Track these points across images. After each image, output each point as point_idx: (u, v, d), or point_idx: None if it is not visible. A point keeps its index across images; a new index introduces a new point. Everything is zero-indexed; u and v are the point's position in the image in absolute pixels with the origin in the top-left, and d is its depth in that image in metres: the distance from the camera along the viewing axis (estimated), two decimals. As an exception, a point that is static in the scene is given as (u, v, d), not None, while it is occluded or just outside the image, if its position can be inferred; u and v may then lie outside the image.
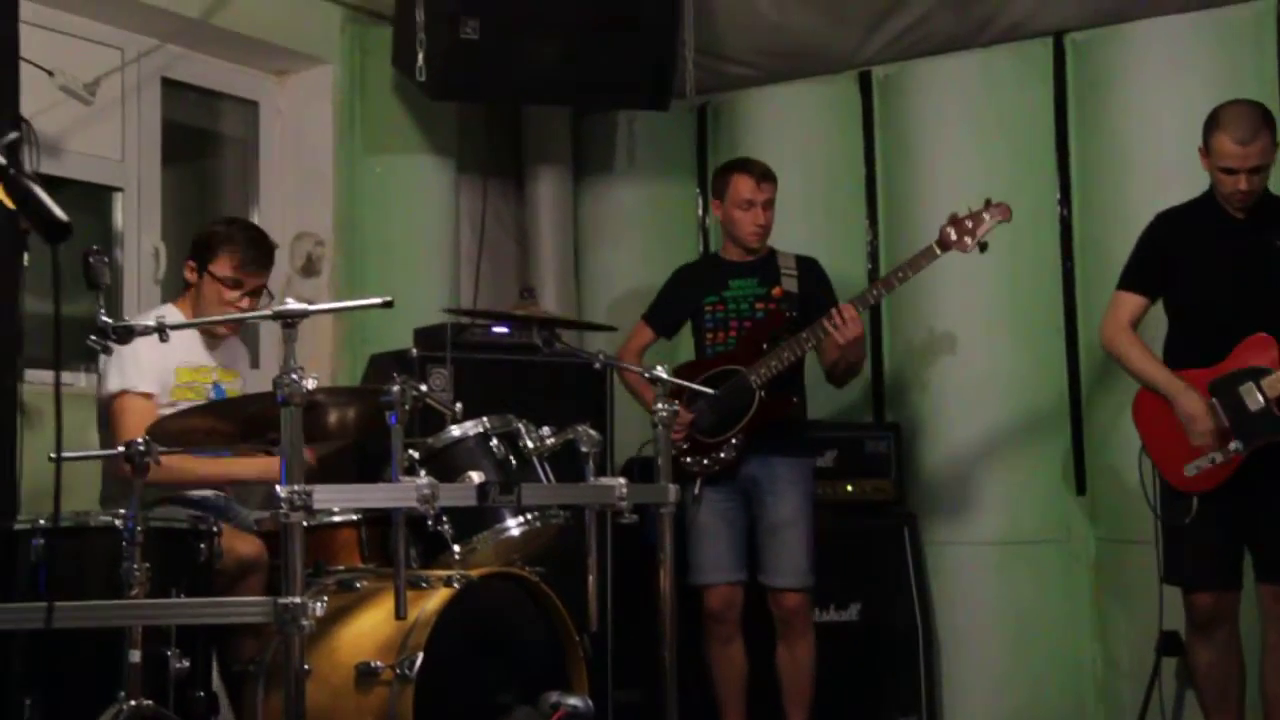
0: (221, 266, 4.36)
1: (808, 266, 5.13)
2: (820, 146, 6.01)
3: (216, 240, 4.40)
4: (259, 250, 4.43)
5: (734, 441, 4.86)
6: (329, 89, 5.91)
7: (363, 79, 5.94)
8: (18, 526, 3.51)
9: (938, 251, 4.75)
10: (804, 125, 6.09)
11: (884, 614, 5.36)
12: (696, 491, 4.88)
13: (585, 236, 6.53)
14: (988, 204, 4.76)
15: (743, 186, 5.02)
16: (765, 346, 4.87)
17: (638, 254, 6.38)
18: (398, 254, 5.92)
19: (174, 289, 5.23)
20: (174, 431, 3.65)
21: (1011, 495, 5.57)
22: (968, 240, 4.72)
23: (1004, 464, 5.57)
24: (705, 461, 4.88)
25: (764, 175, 5.04)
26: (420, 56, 5.39)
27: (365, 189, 5.93)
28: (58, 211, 1.73)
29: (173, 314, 4.34)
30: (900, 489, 5.63)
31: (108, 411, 4.28)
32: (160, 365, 4.27)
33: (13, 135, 2.26)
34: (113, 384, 4.25)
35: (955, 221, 4.74)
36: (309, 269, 5.86)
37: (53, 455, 3.30)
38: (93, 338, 3.16)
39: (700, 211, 6.46)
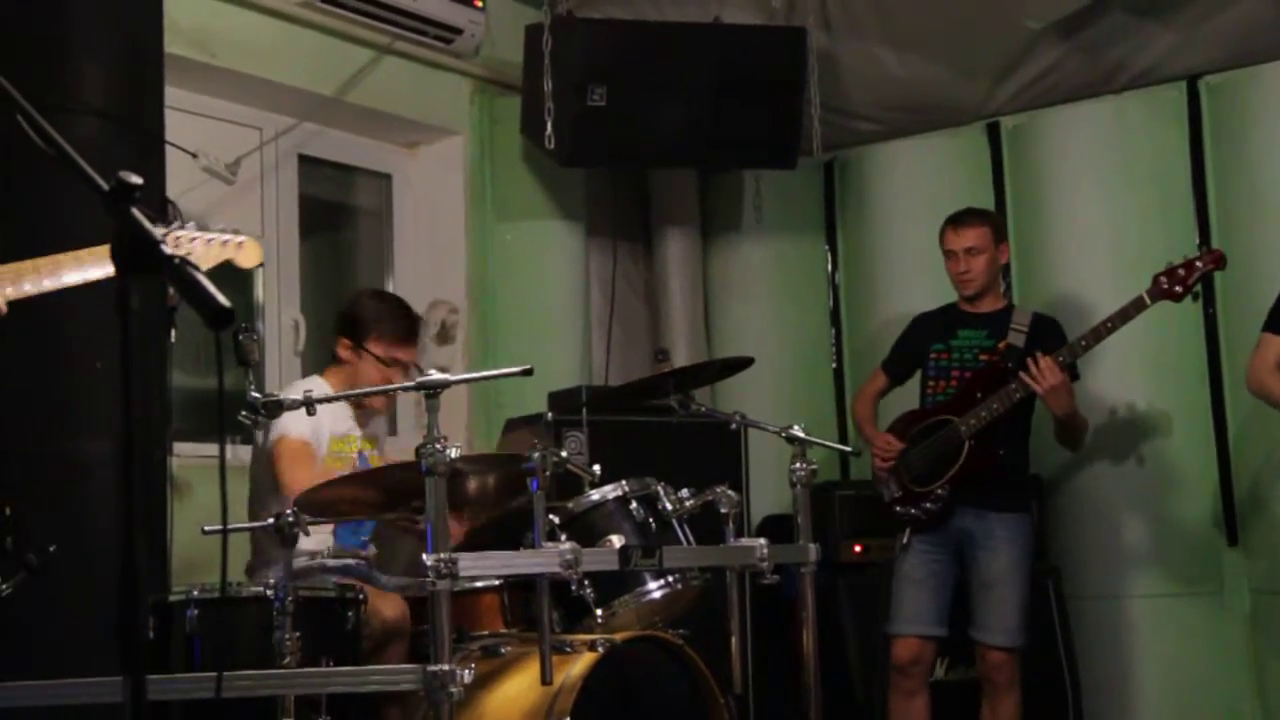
0: (379, 347, 4.48)
1: (1043, 324, 5.01)
2: (949, 199, 5.95)
3: (370, 319, 4.52)
4: (410, 326, 4.58)
5: (940, 492, 4.82)
6: (460, 159, 6.03)
7: (492, 148, 6.06)
8: (172, 598, 3.59)
9: (1148, 301, 4.68)
10: (932, 178, 6.08)
11: (1031, 669, 5.27)
12: (905, 540, 4.85)
13: (715, 295, 6.56)
14: (1202, 254, 4.73)
15: (945, 237, 5.02)
16: (980, 397, 4.82)
17: (768, 311, 6.41)
18: (530, 319, 5.99)
19: (313, 360, 5.35)
20: (321, 501, 3.73)
21: (1159, 547, 5.47)
22: (1178, 289, 4.68)
23: (1150, 515, 5.48)
24: (914, 511, 4.86)
25: (961, 223, 5.01)
26: (549, 124, 5.48)
27: (497, 256, 6.04)
28: (221, 299, 1.80)
29: (320, 386, 4.45)
30: (1042, 542, 5.55)
31: (270, 458, 4.35)
32: (314, 430, 4.38)
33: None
34: (273, 434, 4.35)
35: (1169, 271, 4.69)
36: (443, 336, 5.96)
37: (206, 528, 3.44)
38: (244, 413, 3.25)
39: (830, 267, 6.46)
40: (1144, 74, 5.67)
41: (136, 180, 1.89)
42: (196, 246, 2.61)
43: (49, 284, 2.31)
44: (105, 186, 1.91)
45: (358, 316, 4.56)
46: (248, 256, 2.71)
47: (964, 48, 5.79)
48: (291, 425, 4.28)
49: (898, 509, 4.89)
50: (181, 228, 2.60)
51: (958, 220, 5.02)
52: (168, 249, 1.84)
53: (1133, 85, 5.70)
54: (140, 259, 1.84)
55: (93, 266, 2.32)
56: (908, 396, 5.21)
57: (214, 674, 2.89)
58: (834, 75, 5.98)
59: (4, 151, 4.11)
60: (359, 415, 4.59)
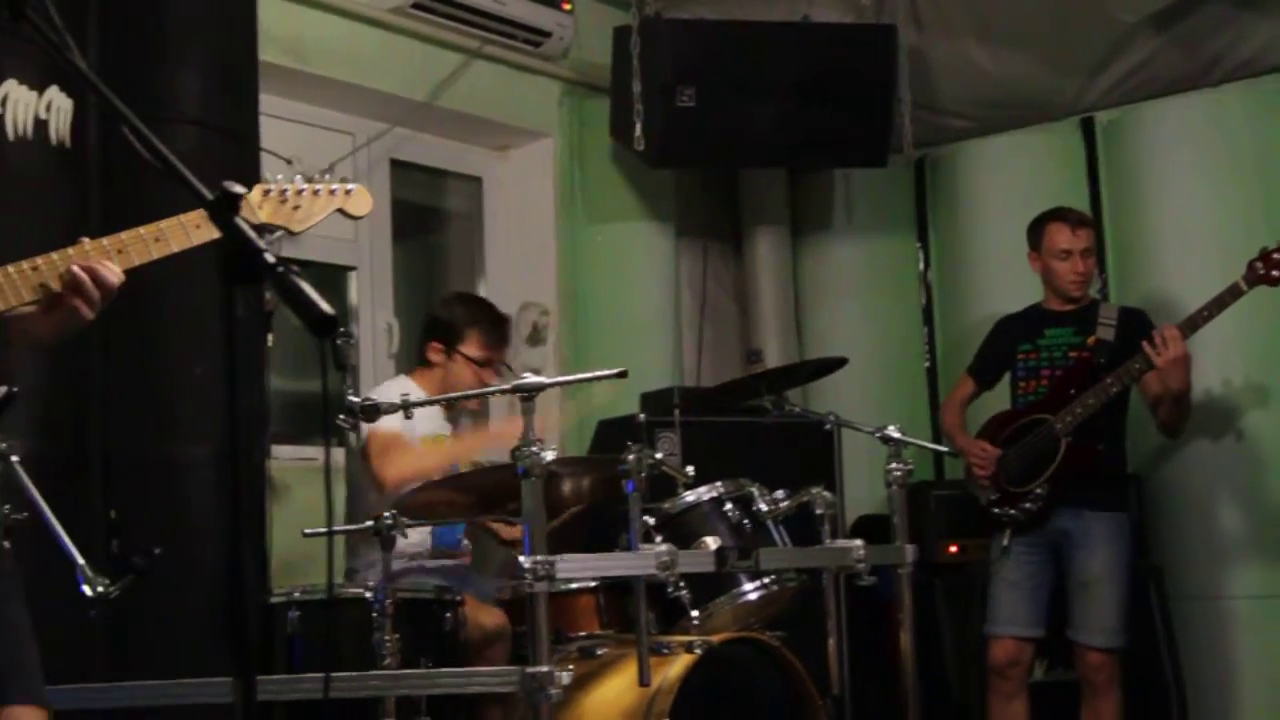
0: (472, 348, 4.54)
1: (1130, 318, 4.96)
2: (1043, 195, 5.89)
3: (463, 323, 4.58)
4: (503, 327, 4.66)
5: (1039, 491, 4.76)
6: (549, 161, 6.06)
7: (582, 150, 6.08)
8: (274, 600, 3.64)
9: (1244, 287, 4.59)
10: (1025, 175, 6.01)
11: (1133, 671, 5.20)
12: (1005, 542, 4.81)
13: (806, 295, 6.54)
14: None
15: (1059, 236, 4.94)
16: (1073, 393, 4.77)
17: (859, 310, 6.38)
18: (621, 320, 6.01)
19: (404, 363, 5.40)
20: (417, 504, 3.76)
21: (1264, 546, 5.36)
22: (1275, 274, 4.59)
23: (1254, 513, 5.37)
24: (1013, 512, 4.81)
25: (1080, 223, 4.97)
26: (638, 126, 5.50)
27: (587, 258, 6.06)
28: (325, 306, 1.82)
29: (411, 387, 4.49)
30: (1144, 541, 5.48)
31: (365, 450, 4.39)
32: (411, 427, 4.42)
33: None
34: (364, 430, 4.38)
35: (1264, 256, 4.61)
36: (535, 338, 5.99)
37: (307, 530, 3.49)
38: (342, 417, 3.28)
39: (921, 266, 6.43)
40: (1243, 65, 5.57)
41: (240, 190, 1.93)
42: (305, 198, 2.63)
43: (156, 251, 2.34)
44: (209, 196, 1.94)
45: (450, 320, 4.61)
46: (358, 204, 2.74)
47: (1057, 42, 5.74)
48: (380, 420, 4.33)
49: (995, 510, 4.84)
50: (290, 180, 2.63)
51: (1074, 220, 4.96)
52: (270, 256, 1.86)
53: (1231, 77, 5.61)
54: (245, 268, 1.87)
55: (196, 231, 2.36)
56: (996, 400, 5.17)
57: (321, 674, 2.92)
58: (925, 72, 5.94)
59: (103, 159, 4.20)
60: (451, 416, 4.64)
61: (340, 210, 2.71)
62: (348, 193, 2.71)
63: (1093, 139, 5.97)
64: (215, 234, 2.28)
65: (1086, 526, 4.77)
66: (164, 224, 2.36)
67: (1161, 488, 5.53)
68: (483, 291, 5.98)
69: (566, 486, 3.92)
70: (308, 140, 5.21)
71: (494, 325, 4.62)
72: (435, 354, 4.59)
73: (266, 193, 2.58)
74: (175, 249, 2.37)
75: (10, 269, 2.23)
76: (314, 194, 2.65)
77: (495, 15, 5.54)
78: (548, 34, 5.76)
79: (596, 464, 4.03)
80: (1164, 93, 5.72)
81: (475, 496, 3.81)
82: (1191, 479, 5.47)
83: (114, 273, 2.29)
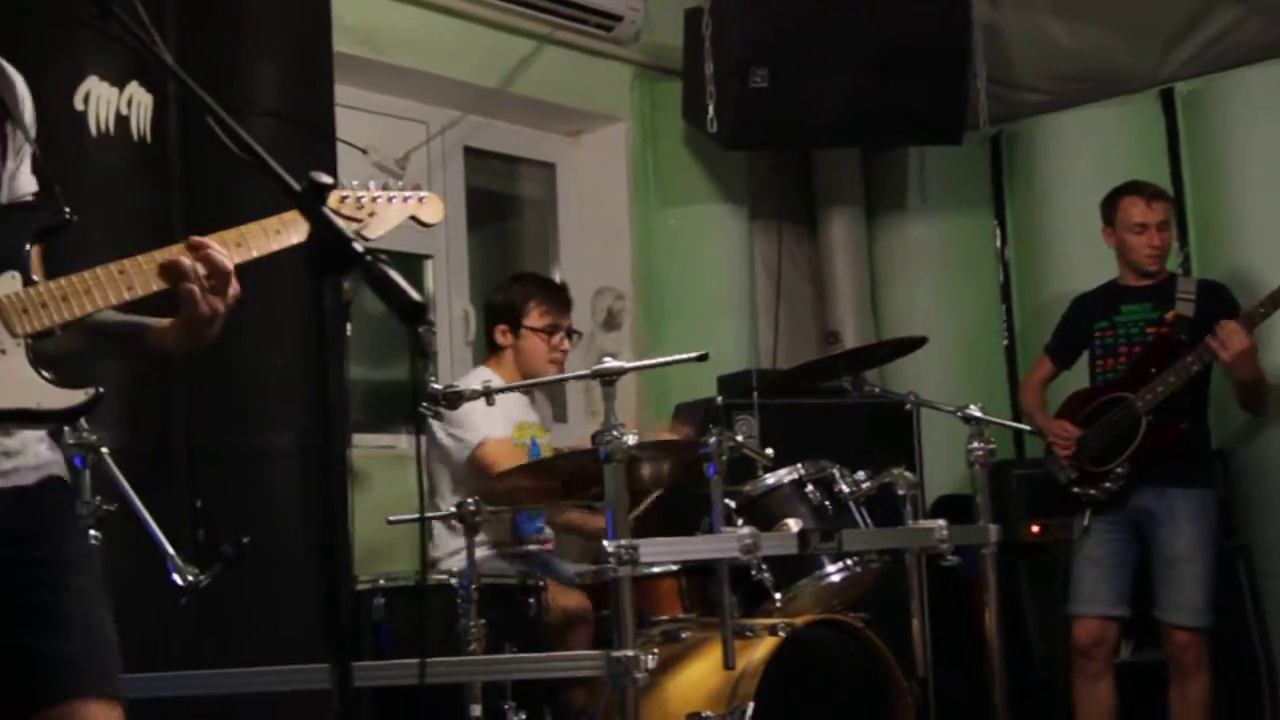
0: (535, 318, 4.61)
1: (1209, 290, 4.93)
2: (1122, 170, 5.83)
3: (519, 298, 4.66)
4: (560, 291, 4.75)
5: (1119, 471, 4.74)
6: (622, 146, 6.07)
7: (654, 133, 6.08)
8: (360, 587, 3.68)
9: None
10: (1104, 148, 5.94)
11: (1223, 650, 5.15)
12: (1086, 522, 4.79)
13: (881, 275, 6.52)
14: None
15: (1134, 210, 4.91)
16: (1153, 371, 4.74)
17: (935, 290, 6.35)
18: (696, 303, 6.01)
19: (481, 348, 5.43)
20: (501, 491, 3.79)
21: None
22: None
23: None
24: (1093, 491, 4.79)
25: (1155, 196, 4.94)
26: (711, 108, 5.50)
27: (661, 241, 6.06)
28: (414, 294, 1.84)
29: (492, 376, 4.52)
30: (1232, 518, 5.42)
31: (473, 464, 4.46)
32: (503, 422, 4.48)
33: None
34: (472, 438, 4.45)
35: None
36: (610, 323, 6.01)
37: (392, 518, 3.53)
38: (425, 404, 3.31)
39: (998, 243, 6.38)
40: (1326, 32, 5.50)
41: (328, 180, 1.94)
42: (380, 205, 2.66)
43: (257, 251, 2.36)
44: (298, 187, 1.96)
45: (509, 300, 4.69)
46: (430, 212, 2.76)
47: (1135, 13, 5.68)
48: (484, 426, 4.38)
49: (1075, 490, 4.82)
50: (365, 187, 2.66)
51: (1148, 193, 4.93)
52: (358, 246, 1.88)
53: (1314, 44, 5.54)
54: (334, 258, 1.88)
55: (283, 235, 2.38)
56: (1076, 378, 5.13)
57: (415, 660, 2.95)
58: (999, 46, 5.90)
59: (184, 154, 4.26)
60: (531, 400, 4.68)
61: (413, 218, 2.73)
62: (420, 200, 2.73)
63: (1173, 111, 5.90)
64: (295, 237, 2.32)
65: (1170, 505, 4.74)
66: (285, 216, 2.38)
67: (1249, 464, 5.46)
68: (557, 277, 6.01)
69: (646, 470, 3.93)
70: (382, 130, 5.25)
71: (551, 291, 4.73)
72: (502, 337, 4.66)
73: (343, 199, 2.60)
74: (296, 240, 2.39)
75: (127, 261, 2.26)
76: (388, 201, 2.67)
77: (567, 0, 5.56)
78: (619, 18, 5.76)
79: (676, 447, 4.03)
80: (1245, 61, 5.65)
81: (557, 482, 3.82)
82: (1276, 458, 5.40)
83: (223, 253, 2.27)
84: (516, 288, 4.75)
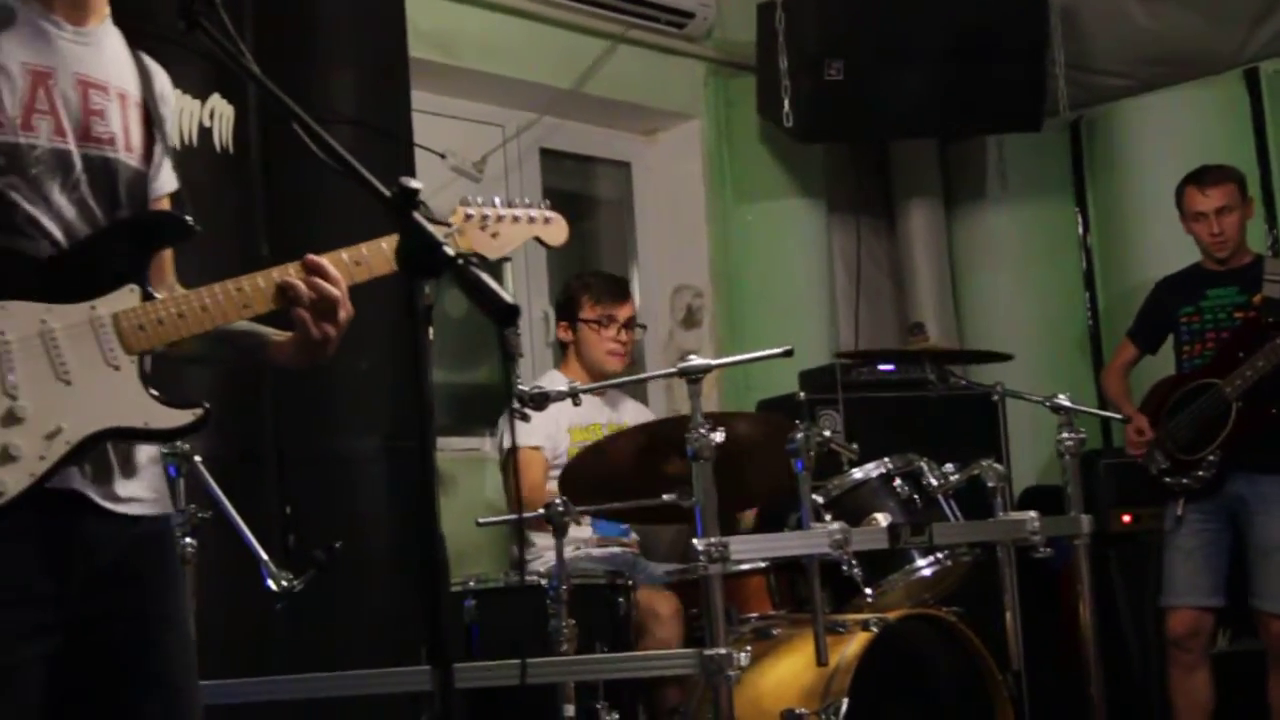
0: (587, 311, 4.66)
1: None
2: (1207, 152, 5.77)
3: (573, 292, 4.74)
4: (612, 282, 4.76)
5: (1212, 458, 4.70)
6: (697, 143, 6.07)
7: (729, 130, 6.09)
8: (452, 589, 3.70)
9: None
10: (1187, 131, 5.88)
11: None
12: (1179, 512, 4.75)
13: (961, 266, 6.49)
14: None
15: (1193, 199, 4.91)
16: (1242, 356, 4.69)
17: (1017, 279, 6.31)
18: (775, 299, 6.01)
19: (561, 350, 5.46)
20: (584, 478, 3.80)
21: None
22: None
23: None
24: (1185, 480, 4.75)
25: (1212, 182, 4.90)
26: (786, 102, 5.49)
27: (739, 238, 6.07)
28: (507, 296, 1.84)
29: (559, 379, 4.54)
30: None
31: (506, 470, 4.55)
32: (552, 426, 4.48)
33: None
34: (506, 442, 4.53)
35: None
36: (690, 321, 6.02)
37: (480, 520, 3.55)
38: (515, 405, 3.33)
39: (1081, 230, 6.33)
40: None
41: (417, 185, 1.95)
42: (505, 225, 2.63)
43: (378, 270, 2.36)
44: (388, 193, 1.97)
45: (565, 296, 4.78)
46: (555, 233, 2.72)
47: (1217, -9, 5.61)
48: (522, 432, 4.41)
49: (1168, 480, 4.77)
50: (491, 204, 2.62)
51: (1201, 179, 4.90)
52: (449, 249, 1.89)
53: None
54: (427, 262, 1.90)
55: (375, 265, 2.37)
56: (1162, 363, 5.08)
57: (515, 660, 2.96)
58: (1078, 30, 5.84)
59: (265, 163, 4.30)
60: (606, 399, 4.69)
61: (537, 239, 2.70)
62: (546, 221, 2.69)
63: (1258, 91, 5.86)
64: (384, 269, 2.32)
65: (1263, 491, 4.69)
66: (340, 257, 2.36)
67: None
68: (635, 276, 6.03)
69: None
70: (459, 134, 5.29)
71: (602, 284, 4.74)
72: (564, 333, 4.74)
73: (468, 217, 2.56)
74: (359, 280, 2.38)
75: (245, 280, 2.27)
76: (513, 220, 2.62)
77: (639, -1, 5.59)
78: (691, 15, 5.77)
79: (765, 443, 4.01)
80: (1333, 40, 5.58)
81: (640, 475, 3.80)
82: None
83: (335, 276, 2.26)
84: (572, 283, 4.83)
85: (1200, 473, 4.71)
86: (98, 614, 2.17)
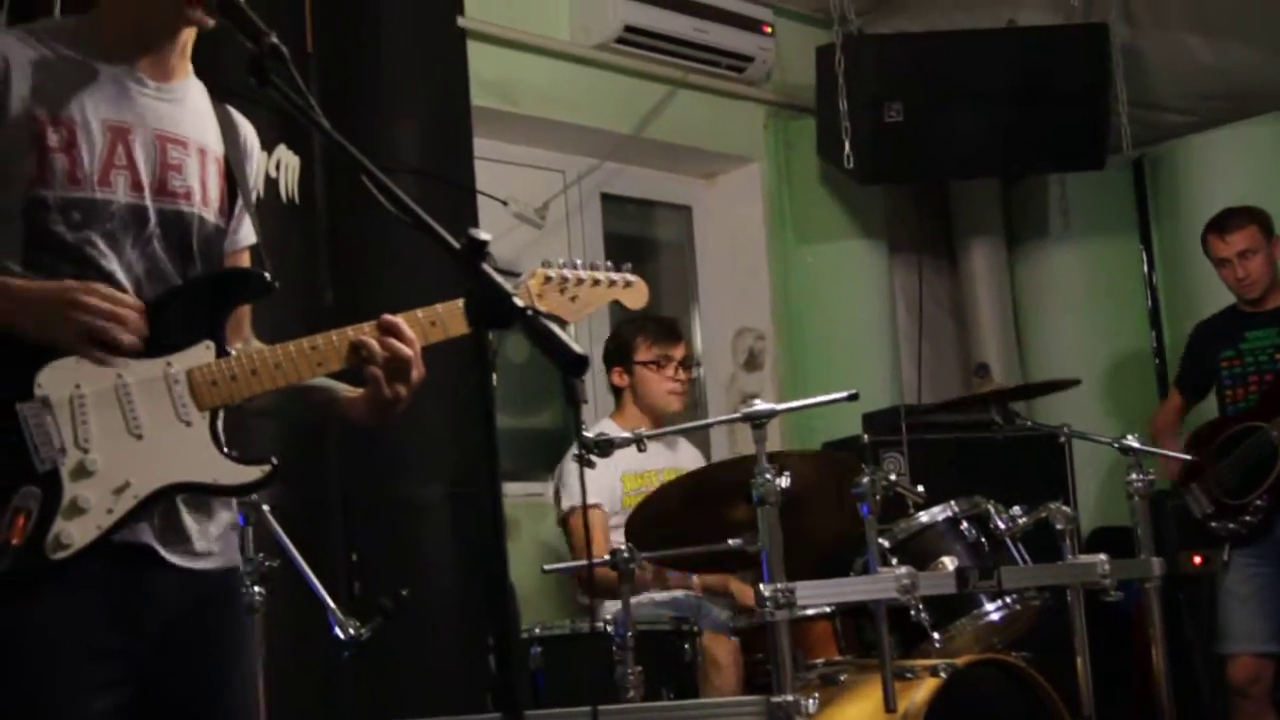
0: (643, 353, 4.66)
1: None
2: (1271, 187, 5.76)
3: (625, 337, 4.73)
4: (664, 323, 4.74)
5: (1260, 503, 4.67)
6: (757, 186, 6.09)
7: (789, 172, 6.10)
8: (521, 635, 3.70)
9: None
10: (1252, 167, 5.86)
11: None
12: (1226, 557, 4.72)
13: (1025, 305, 6.47)
14: None
15: (1214, 246, 4.94)
16: None
17: (1082, 318, 6.29)
18: (838, 340, 6.00)
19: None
20: (648, 524, 3.80)
21: None
22: None
23: None
24: (1232, 525, 4.72)
25: (1231, 228, 4.92)
26: (846, 144, 5.51)
27: (800, 280, 6.07)
28: (576, 347, 1.85)
29: (611, 428, 4.54)
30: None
31: (566, 527, 4.56)
32: (607, 477, 4.50)
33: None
34: (565, 503, 4.55)
35: None
36: (752, 363, 6.02)
37: (546, 567, 3.55)
38: (579, 451, 3.34)
39: (1146, 268, 6.29)
40: None
41: (486, 237, 1.96)
42: (585, 288, 2.62)
43: (454, 332, 2.36)
44: (457, 245, 1.99)
45: (618, 341, 4.78)
46: (635, 297, 2.70)
47: (1279, 28, 5.57)
48: (578, 493, 4.47)
49: (1214, 525, 4.74)
50: (573, 267, 2.61)
51: (1221, 226, 4.93)
52: (519, 301, 1.90)
53: None
54: (496, 313, 1.91)
55: (450, 326, 2.38)
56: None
57: (584, 709, 2.96)
58: (1140, 68, 5.82)
59: (330, 213, 4.35)
60: (666, 443, 4.69)
61: (617, 301, 2.69)
62: (627, 284, 2.67)
63: (1324, 126, 5.80)
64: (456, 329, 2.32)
65: None
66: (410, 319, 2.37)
67: None
68: (697, 319, 6.04)
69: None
70: (521, 180, 5.32)
71: (657, 325, 4.73)
72: (619, 379, 4.74)
73: (547, 280, 2.56)
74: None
75: (320, 337, 2.28)
76: (594, 284, 2.61)
77: (697, 44, 5.61)
78: (750, 58, 5.79)
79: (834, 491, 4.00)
80: (1395, 72, 5.54)
81: (706, 521, 3.80)
82: None
83: (409, 337, 2.27)
84: (624, 327, 4.82)
85: (1248, 518, 4.68)
86: (166, 668, 2.19)
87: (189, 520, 2.23)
